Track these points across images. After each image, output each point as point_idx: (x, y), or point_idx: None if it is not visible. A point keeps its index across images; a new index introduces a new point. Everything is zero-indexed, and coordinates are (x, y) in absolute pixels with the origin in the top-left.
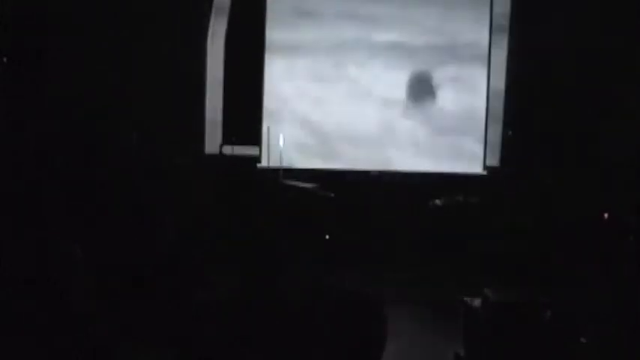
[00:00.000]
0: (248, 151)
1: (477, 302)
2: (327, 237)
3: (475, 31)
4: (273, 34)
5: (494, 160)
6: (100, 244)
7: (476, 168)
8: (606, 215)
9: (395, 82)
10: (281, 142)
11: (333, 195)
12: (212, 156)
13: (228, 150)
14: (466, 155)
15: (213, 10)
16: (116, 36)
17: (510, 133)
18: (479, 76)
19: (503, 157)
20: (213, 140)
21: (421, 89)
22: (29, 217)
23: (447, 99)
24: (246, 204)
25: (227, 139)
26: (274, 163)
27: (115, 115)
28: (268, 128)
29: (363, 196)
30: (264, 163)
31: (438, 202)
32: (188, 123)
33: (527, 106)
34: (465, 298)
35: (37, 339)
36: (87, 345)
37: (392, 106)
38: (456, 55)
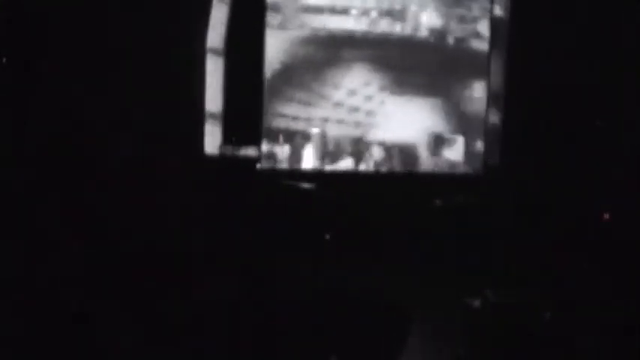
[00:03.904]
0: (248, 151)
1: (477, 303)
2: (327, 237)
3: None
4: None
5: (494, 160)
6: (100, 244)
7: None
8: (606, 215)
9: None
10: (281, 142)
11: (333, 195)
12: (212, 156)
13: (228, 150)
14: None
15: (213, 9)
16: (116, 35)
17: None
18: None
19: (503, 157)
20: (213, 140)
21: None
22: None
23: None
24: (246, 204)
25: (227, 139)
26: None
27: (115, 115)
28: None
29: (363, 196)
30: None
31: (438, 202)
32: (188, 123)
33: (527, 106)
34: (465, 299)
35: None
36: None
37: None
38: None
